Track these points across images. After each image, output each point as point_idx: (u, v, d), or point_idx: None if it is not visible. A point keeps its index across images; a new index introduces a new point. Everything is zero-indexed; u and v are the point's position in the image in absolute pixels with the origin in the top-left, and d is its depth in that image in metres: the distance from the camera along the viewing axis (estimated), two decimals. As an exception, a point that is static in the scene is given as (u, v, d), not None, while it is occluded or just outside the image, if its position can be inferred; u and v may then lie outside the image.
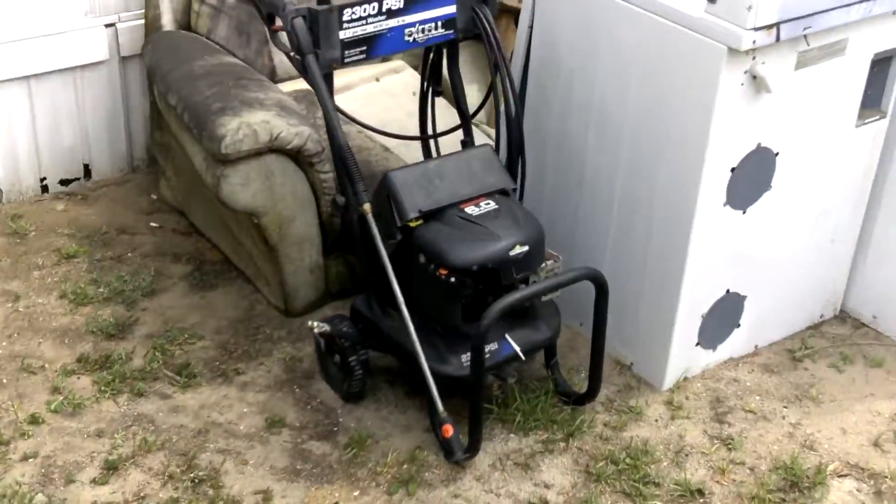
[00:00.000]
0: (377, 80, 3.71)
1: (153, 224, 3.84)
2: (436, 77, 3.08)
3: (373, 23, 2.74)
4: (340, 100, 3.22)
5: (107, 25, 3.82)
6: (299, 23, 2.70)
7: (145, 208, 3.93)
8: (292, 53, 2.74)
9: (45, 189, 3.98)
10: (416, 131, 3.28)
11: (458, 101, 3.00)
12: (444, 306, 2.77)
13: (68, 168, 3.99)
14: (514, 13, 3.47)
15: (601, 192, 3.03)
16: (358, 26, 2.73)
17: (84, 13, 3.77)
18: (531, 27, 3.11)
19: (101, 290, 3.46)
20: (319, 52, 2.71)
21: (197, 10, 3.67)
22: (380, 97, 3.63)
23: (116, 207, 3.93)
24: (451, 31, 2.85)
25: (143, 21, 3.79)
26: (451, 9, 2.81)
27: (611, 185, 2.99)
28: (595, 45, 2.91)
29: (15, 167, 3.87)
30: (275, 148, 3.10)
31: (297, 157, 3.16)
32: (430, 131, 3.20)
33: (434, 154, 3.21)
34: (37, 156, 3.90)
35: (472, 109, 3.07)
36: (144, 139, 4.06)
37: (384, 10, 2.74)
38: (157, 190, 3.95)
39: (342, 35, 2.73)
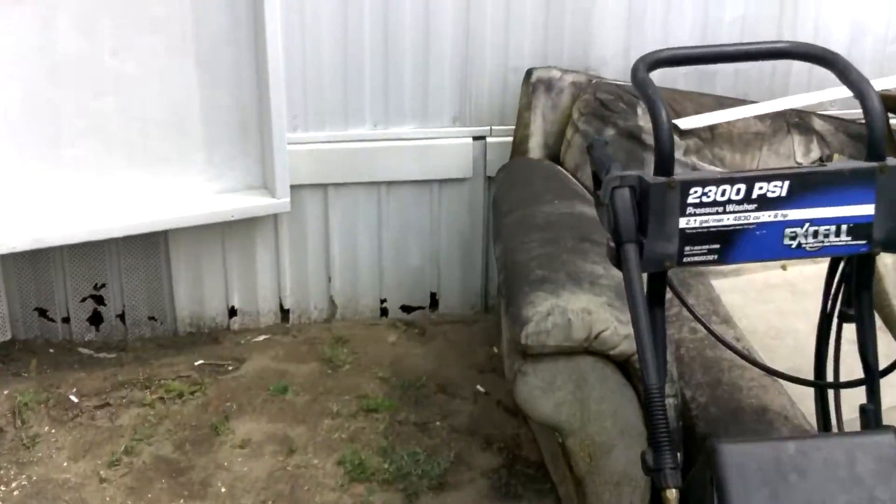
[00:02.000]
0: (783, 267, 2.66)
1: (479, 388, 3.09)
2: (846, 297, 2.00)
3: (735, 212, 1.77)
4: (720, 287, 2.26)
5: (475, 138, 3.18)
6: (621, 196, 1.80)
7: (480, 363, 3.21)
8: (607, 238, 1.84)
9: (384, 312, 3.42)
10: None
11: (863, 345, 1.90)
12: None
13: (412, 293, 3.41)
14: None
15: None
16: (710, 213, 1.77)
17: (452, 120, 3.16)
18: None
19: (387, 465, 2.76)
20: (645, 243, 1.79)
21: (569, 139, 2.90)
22: (780, 293, 2.58)
23: (450, 354, 3.25)
24: (864, 243, 1.78)
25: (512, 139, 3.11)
26: (867, 209, 1.74)
27: None
28: None
29: (353, 280, 3.37)
30: (593, 350, 2.21)
31: (626, 367, 2.24)
32: (828, 375, 2.11)
33: (833, 408, 2.11)
34: (379, 271, 3.36)
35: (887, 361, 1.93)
36: (506, 273, 3.37)
37: (755, 196, 1.75)
38: (499, 343, 3.22)
39: (684, 223, 1.78)
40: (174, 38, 2.92)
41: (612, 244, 1.83)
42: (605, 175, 1.84)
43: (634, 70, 1.92)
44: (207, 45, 2.95)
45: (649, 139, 2.81)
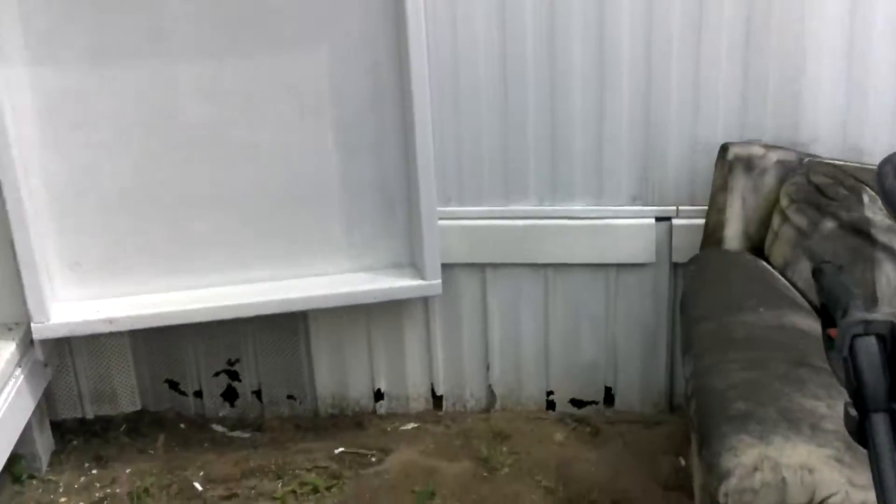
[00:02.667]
0: None
1: (662, 510, 2.65)
2: None
3: None
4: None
5: (659, 219, 2.76)
6: (867, 348, 1.34)
7: (663, 475, 2.71)
8: (845, 402, 1.39)
9: (550, 405, 3.01)
10: None
11: None
12: None
13: (583, 386, 2.97)
14: None
15: None
16: None
17: (631, 198, 2.75)
18: None
19: None
20: (898, 413, 1.34)
21: (776, 230, 2.42)
22: None
23: (627, 461, 2.79)
24: None
25: (703, 222, 2.67)
26: None
27: None
28: None
29: (514, 368, 2.97)
30: (801, 531, 1.75)
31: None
32: None
33: None
34: (545, 361, 2.94)
35: None
36: (692, 370, 2.91)
37: None
38: (687, 454, 2.77)
39: (955, 388, 1.32)
40: (311, 106, 2.60)
41: (853, 412, 1.38)
42: (842, 316, 1.40)
43: (882, 175, 1.48)
44: (348, 113, 2.62)
45: (882, 235, 2.32)
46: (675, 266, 2.77)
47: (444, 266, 2.77)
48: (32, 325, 2.56)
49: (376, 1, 2.53)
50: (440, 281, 2.70)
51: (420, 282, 2.71)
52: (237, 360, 3.02)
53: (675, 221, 2.72)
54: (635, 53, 2.60)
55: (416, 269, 2.76)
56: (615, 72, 2.62)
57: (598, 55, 2.61)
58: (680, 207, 2.72)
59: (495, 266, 2.84)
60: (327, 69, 2.59)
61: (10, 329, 2.63)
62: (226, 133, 2.60)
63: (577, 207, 2.75)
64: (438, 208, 2.72)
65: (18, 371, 2.59)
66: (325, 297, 2.68)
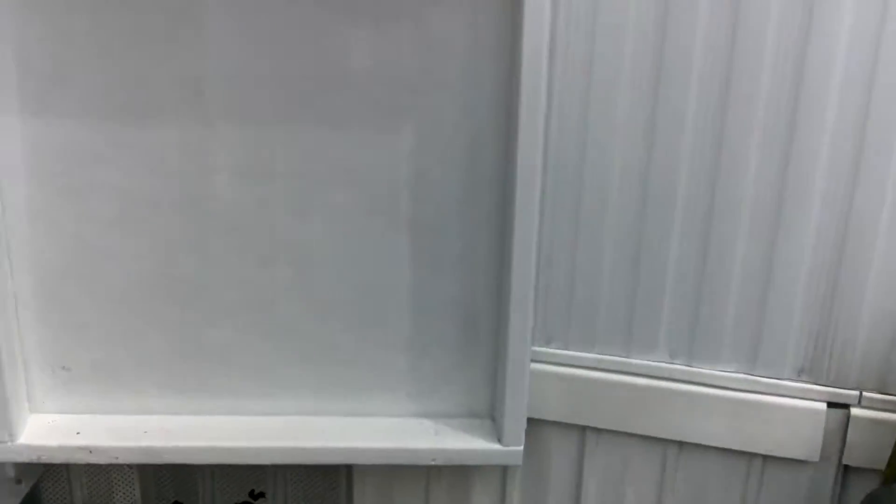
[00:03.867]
0: None
1: None
2: None
3: None
4: None
5: (832, 405, 2.02)
6: None
7: None
8: None
9: None
10: None
11: None
12: None
13: None
14: None
15: None
16: None
17: (796, 371, 2.02)
18: None
19: None
20: None
21: None
22: None
23: None
24: None
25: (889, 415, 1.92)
26: None
27: None
28: None
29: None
30: None
31: None
32: None
33: None
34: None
35: None
36: None
37: None
38: None
39: None
40: (381, 198, 1.96)
41: None
42: None
43: None
44: (429, 212, 1.98)
45: None
46: (845, 470, 2.03)
47: (534, 422, 2.10)
48: (-6, 439, 1.99)
49: (487, 68, 1.88)
50: (521, 448, 2.02)
51: (496, 446, 2.03)
52: (261, 494, 2.40)
53: (854, 411, 1.97)
54: (832, 185, 1.88)
55: (494, 421, 2.09)
56: (800, 204, 1.90)
57: (780, 179, 1.90)
58: (864, 393, 1.97)
59: (599, 431, 2.14)
60: (407, 153, 1.95)
61: (-31, 435, 2.06)
62: (265, 221, 1.98)
63: (720, 373, 2.03)
64: (534, 348, 2.05)
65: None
66: (374, 452, 2.03)
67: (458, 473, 2.22)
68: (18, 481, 2.19)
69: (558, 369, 2.11)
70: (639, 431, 2.11)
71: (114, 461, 2.01)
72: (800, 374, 2.00)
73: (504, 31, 1.86)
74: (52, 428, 2.04)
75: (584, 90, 1.94)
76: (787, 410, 2.01)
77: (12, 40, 1.84)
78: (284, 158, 1.94)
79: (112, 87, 1.88)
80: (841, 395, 1.99)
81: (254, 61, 1.88)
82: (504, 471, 2.22)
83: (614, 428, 2.12)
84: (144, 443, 2.01)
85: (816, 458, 2.02)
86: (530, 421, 2.07)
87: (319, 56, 1.88)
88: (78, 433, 2.02)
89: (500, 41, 1.87)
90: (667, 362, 2.06)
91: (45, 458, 2.00)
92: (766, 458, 2.06)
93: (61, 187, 1.94)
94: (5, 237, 1.95)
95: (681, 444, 2.10)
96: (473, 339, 2.07)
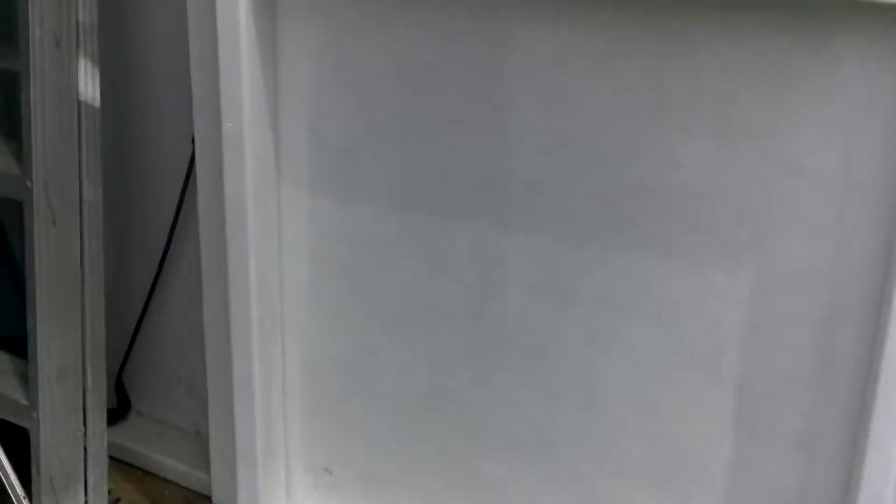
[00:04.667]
0: None
1: None
2: None
3: None
4: None
5: None
6: None
7: None
8: None
9: None
10: None
11: None
12: None
13: None
14: None
15: None
16: None
17: None
18: None
19: None
20: None
21: None
22: None
23: None
24: None
25: None
26: None
27: None
28: None
29: None
30: None
31: None
32: None
33: None
34: None
35: None
36: None
37: None
38: None
39: None
40: (699, 344, 1.54)
41: None
42: None
43: None
44: (762, 374, 1.53)
45: None
46: None
47: None
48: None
49: (860, 209, 1.44)
50: None
51: None
52: None
53: None
54: None
55: None
56: None
57: None
58: None
59: None
60: (741, 297, 1.54)
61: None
62: (556, 349, 1.66)
63: None
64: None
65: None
66: None
67: None
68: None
69: None
70: None
71: None
72: None
73: (886, 166, 1.40)
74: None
75: None
76: None
77: (308, 111, 1.66)
78: (589, 281, 1.61)
79: (408, 175, 1.65)
80: None
81: (567, 167, 1.56)
82: None
83: None
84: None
85: None
86: None
87: (646, 169, 1.52)
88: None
89: (877, 179, 1.41)
90: None
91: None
92: None
93: (342, 274, 1.74)
94: (281, 319, 1.78)
95: None
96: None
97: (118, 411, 2.22)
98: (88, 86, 1.67)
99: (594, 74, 1.50)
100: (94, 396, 1.82)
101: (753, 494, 1.61)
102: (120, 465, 2.13)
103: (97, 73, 1.69)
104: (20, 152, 1.66)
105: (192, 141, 1.74)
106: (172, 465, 2.08)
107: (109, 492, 1.95)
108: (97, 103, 1.70)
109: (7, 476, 1.79)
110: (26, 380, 1.76)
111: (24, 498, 1.78)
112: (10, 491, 1.79)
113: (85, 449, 1.82)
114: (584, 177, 1.55)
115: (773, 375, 1.55)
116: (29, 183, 1.64)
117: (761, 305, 1.52)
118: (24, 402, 1.76)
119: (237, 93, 1.57)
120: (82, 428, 1.82)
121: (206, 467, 2.00)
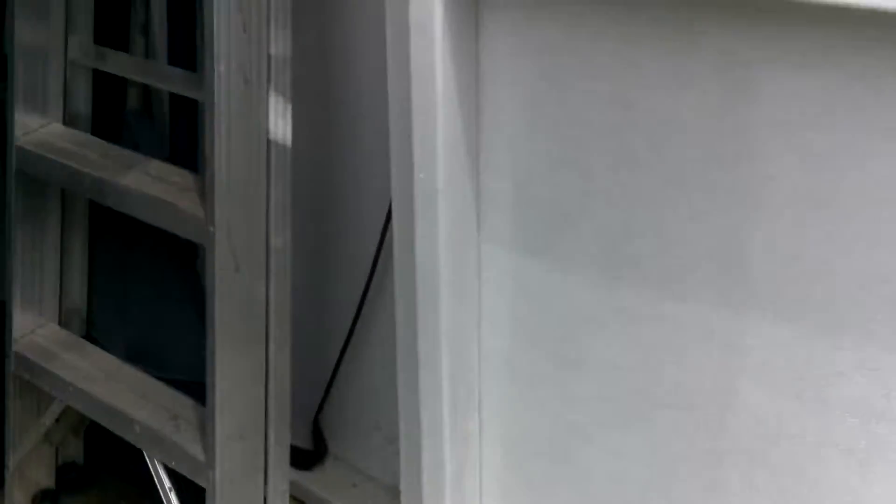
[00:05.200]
0: None
1: None
2: None
3: None
4: None
5: None
6: None
7: None
8: None
9: None
10: None
11: None
12: None
13: None
14: None
15: None
16: None
17: None
18: None
19: None
20: None
21: None
22: None
23: None
24: None
25: None
26: None
27: None
28: None
29: None
30: None
31: None
32: None
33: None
34: None
35: None
36: None
37: None
38: None
39: None
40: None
41: None
42: None
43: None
44: None
45: None
46: None
47: None
48: None
49: None
50: None
51: None
52: None
53: None
54: None
55: None
56: None
57: None
58: None
59: None
60: None
61: None
62: (797, 458, 1.37)
63: None
64: None
65: None
66: None
67: None
68: None
69: None
70: None
71: None
72: None
73: None
74: None
75: None
76: None
77: (514, 162, 1.44)
78: (849, 385, 1.30)
79: (628, 240, 1.40)
80: None
81: (830, 240, 1.26)
82: None
83: None
84: None
85: None
86: None
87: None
88: None
89: None
90: None
91: None
92: None
93: (544, 350, 1.51)
94: (478, 392, 1.58)
95: None
96: None
97: (315, 454, 2.10)
98: (279, 124, 1.52)
99: (867, 129, 1.19)
100: (276, 454, 1.68)
101: None
102: (309, 511, 2.01)
103: (289, 110, 1.53)
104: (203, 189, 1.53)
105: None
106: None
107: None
108: (288, 142, 1.54)
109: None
110: (205, 432, 1.65)
111: (200, 559, 1.66)
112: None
113: (265, 509, 1.69)
114: (851, 254, 1.24)
115: None
116: (211, 228, 1.51)
117: None
118: (202, 458, 1.64)
119: (431, 140, 1.37)
120: (263, 487, 1.69)
121: (398, 529, 1.84)
